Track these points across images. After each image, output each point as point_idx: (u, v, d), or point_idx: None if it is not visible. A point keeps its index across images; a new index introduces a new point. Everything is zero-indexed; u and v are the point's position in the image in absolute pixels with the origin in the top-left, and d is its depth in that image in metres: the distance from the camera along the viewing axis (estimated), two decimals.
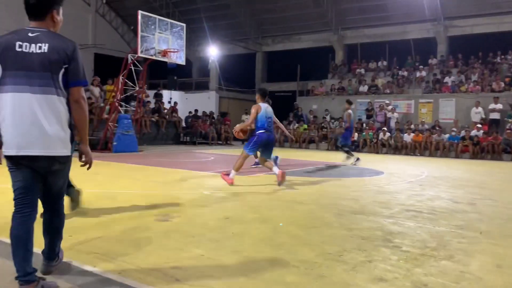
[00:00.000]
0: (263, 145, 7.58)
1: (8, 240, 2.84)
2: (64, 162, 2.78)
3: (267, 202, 5.98)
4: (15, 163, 2.66)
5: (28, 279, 2.61)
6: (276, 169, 7.49)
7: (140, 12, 14.05)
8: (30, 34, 2.65)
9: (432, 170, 11.19)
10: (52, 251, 2.96)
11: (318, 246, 3.81)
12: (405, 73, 22.21)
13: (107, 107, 16.01)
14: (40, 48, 2.61)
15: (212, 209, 5.39)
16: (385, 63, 23.96)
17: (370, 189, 7.57)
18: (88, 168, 2.94)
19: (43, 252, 2.98)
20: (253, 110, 7.60)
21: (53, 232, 2.93)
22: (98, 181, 7.47)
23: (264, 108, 7.70)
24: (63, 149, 2.72)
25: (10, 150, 2.62)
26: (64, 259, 3.22)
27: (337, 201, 6.14)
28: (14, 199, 2.71)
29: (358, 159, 12.06)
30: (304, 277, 3.05)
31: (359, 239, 4.07)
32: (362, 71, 23.86)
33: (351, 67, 24.87)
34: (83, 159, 2.91)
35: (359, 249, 3.74)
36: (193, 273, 3.05)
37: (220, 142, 21.27)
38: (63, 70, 2.66)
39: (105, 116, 15.69)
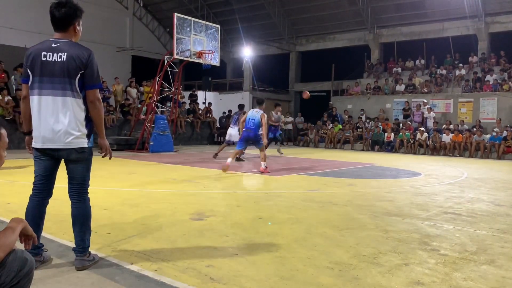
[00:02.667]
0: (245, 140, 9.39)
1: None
2: (81, 152, 3.16)
3: (301, 202, 5.95)
4: (40, 154, 3.16)
5: (36, 252, 3.05)
6: (229, 160, 8.99)
7: (175, 14, 14.28)
8: (53, 45, 3.08)
9: (472, 171, 10.82)
10: (82, 243, 3.19)
11: (353, 248, 3.76)
12: (444, 72, 21.57)
13: (144, 108, 16.39)
14: (60, 57, 3.05)
15: (245, 209, 5.42)
16: (422, 61, 23.35)
17: (406, 190, 7.40)
18: (109, 158, 3.43)
19: (74, 249, 3.21)
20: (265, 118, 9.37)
21: (81, 221, 3.24)
22: (135, 180, 7.65)
23: (251, 112, 9.60)
24: (79, 142, 3.13)
25: (36, 143, 3.13)
26: (102, 255, 3.33)
27: (373, 203, 6.04)
28: (34, 183, 3.22)
29: None
30: (338, 278, 3.02)
31: (395, 242, 3.99)
32: (399, 70, 23.35)
33: (388, 66, 24.38)
34: (102, 151, 3.34)
35: (395, 252, 3.67)
36: (227, 272, 3.08)
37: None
38: (79, 75, 3.06)
39: (142, 116, 16.05)
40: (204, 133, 20.36)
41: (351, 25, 25.20)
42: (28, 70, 3.09)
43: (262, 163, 9.21)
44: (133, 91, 18.17)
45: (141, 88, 18.76)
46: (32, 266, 1.97)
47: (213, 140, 20.95)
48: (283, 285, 2.89)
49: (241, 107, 12.90)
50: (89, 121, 3.19)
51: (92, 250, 3.48)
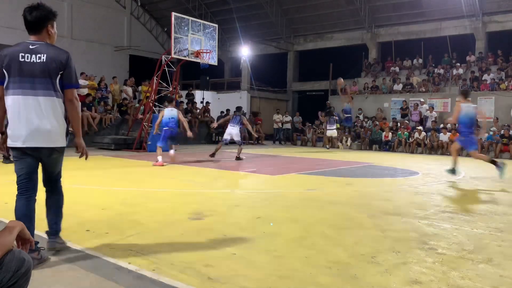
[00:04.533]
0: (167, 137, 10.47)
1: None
2: (61, 151, 3.35)
3: (299, 202, 5.96)
4: (21, 153, 3.22)
5: (33, 249, 3.05)
6: (160, 158, 10.07)
7: (173, 13, 14.26)
8: (30, 47, 3.18)
9: (470, 170, 10.84)
10: (56, 226, 3.45)
11: (351, 247, 3.77)
12: (441, 71, 21.60)
13: (142, 108, 16.37)
14: (39, 58, 3.16)
15: (244, 209, 5.42)
16: (420, 60, 23.37)
17: (404, 189, 7.42)
18: (85, 159, 3.55)
19: (47, 232, 3.41)
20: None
21: (56, 209, 3.47)
22: (133, 180, 7.64)
23: (168, 111, 10.50)
24: (60, 141, 3.28)
25: (17, 142, 3.17)
26: (100, 255, 3.33)
27: (370, 202, 6.05)
28: (18, 183, 3.28)
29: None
30: (336, 278, 3.02)
31: (393, 241, 4.00)
32: (397, 69, 23.36)
33: (385, 65, 24.39)
34: (78, 151, 3.46)
35: (393, 251, 3.68)
36: (225, 272, 3.08)
37: (252, 142, 21.34)
38: (59, 75, 3.21)
39: (140, 116, 16.03)
40: (201, 132, 20.36)
41: (349, 24, 25.21)
42: (4, 70, 3.15)
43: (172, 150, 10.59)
44: (129, 89, 18.14)
45: (139, 88, 18.73)
46: (30, 266, 1.97)
47: (211, 139, 20.95)
48: (282, 284, 2.89)
49: (238, 108, 12.98)
50: (68, 121, 3.34)
51: (90, 249, 3.49)
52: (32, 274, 2.03)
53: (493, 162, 8.51)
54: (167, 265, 3.18)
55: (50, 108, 3.18)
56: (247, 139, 21.09)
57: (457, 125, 9.19)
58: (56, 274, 2.98)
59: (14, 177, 3.21)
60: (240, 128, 11.95)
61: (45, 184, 3.46)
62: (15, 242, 1.97)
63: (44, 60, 3.15)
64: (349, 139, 19.62)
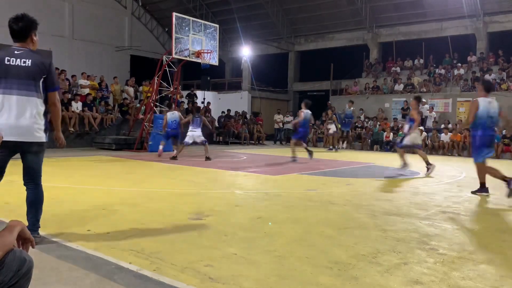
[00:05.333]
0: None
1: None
2: (40, 145, 3.66)
3: (300, 202, 5.95)
4: (2, 146, 3.44)
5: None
6: (161, 147, 12.16)
7: (174, 14, 14.27)
8: (16, 52, 3.57)
9: (471, 170, 10.80)
10: (36, 223, 3.71)
11: (352, 247, 3.76)
12: (443, 71, 21.59)
13: (143, 108, 16.37)
14: (24, 62, 3.55)
15: (244, 209, 5.42)
16: (421, 61, 23.37)
17: (405, 190, 7.41)
18: (62, 147, 4.10)
19: (28, 227, 3.42)
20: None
21: (37, 204, 3.72)
22: (134, 180, 7.65)
23: (170, 114, 12.10)
24: (39, 136, 3.62)
25: None
26: (100, 255, 3.34)
27: (371, 202, 6.04)
28: None
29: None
30: (337, 278, 3.02)
31: (393, 241, 4.00)
32: (398, 69, 23.36)
33: (386, 66, 24.39)
34: (57, 141, 3.91)
35: (394, 251, 3.67)
36: (225, 272, 3.08)
37: (253, 142, 21.34)
38: (42, 79, 3.59)
39: (141, 116, 16.04)
40: (202, 132, 20.32)
41: (349, 24, 25.21)
42: None
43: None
44: (131, 90, 18.14)
45: (140, 88, 18.73)
46: (31, 266, 1.97)
47: (212, 139, 20.94)
48: (282, 284, 2.89)
49: (197, 109, 13.47)
50: (47, 119, 3.68)
51: (91, 249, 3.50)
52: (33, 274, 2.03)
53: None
54: (167, 265, 3.18)
55: (31, 107, 3.53)
56: (248, 139, 21.11)
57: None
58: (56, 274, 2.98)
59: (14, 177, 3.23)
60: (201, 129, 12.17)
61: (26, 183, 3.72)
62: (15, 242, 1.97)
63: (29, 65, 3.54)
64: (345, 142, 19.80)
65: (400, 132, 18.30)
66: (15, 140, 3.49)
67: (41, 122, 3.62)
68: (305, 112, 12.28)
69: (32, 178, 3.71)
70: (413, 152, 10.35)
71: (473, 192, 6.92)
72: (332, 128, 18.75)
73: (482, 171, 6.80)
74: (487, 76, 19.55)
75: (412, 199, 6.38)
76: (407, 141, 9.53)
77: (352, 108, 19.01)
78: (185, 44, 14.37)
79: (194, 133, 11.93)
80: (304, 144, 12.75)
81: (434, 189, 7.51)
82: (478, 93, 7.10)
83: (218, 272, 3.06)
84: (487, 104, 6.67)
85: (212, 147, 17.89)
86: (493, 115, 6.69)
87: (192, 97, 21.27)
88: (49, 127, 3.74)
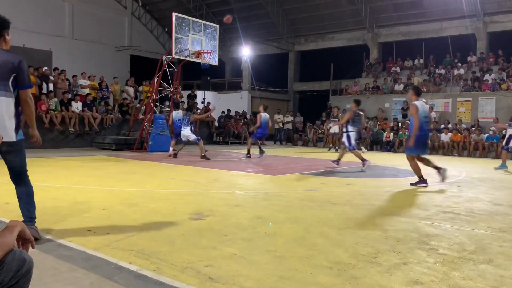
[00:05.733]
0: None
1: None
2: (11, 145, 3.62)
3: (299, 202, 5.95)
4: None
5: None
6: (171, 149, 12.36)
7: (174, 14, 14.27)
8: None
9: (471, 170, 10.84)
10: (29, 213, 3.76)
11: (352, 247, 3.76)
12: (443, 71, 21.59)
13: (143, 108, 16.38)
14: None
15: (244, 209, 5.42)
16: (421, 61, 23.38)
17: (405, 190, 7.41)
18: (39, 144, 4.03)
19: (23, 221, 3.56)
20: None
21: (26, 199, 3.79)
22: (134, 180, 7.65)
23: (175, 114, 12.57)
24: (10, 135, 3.58)
25: None
26: (100, 255, 3.34)
27: (371, 202, 6.04)
28: None
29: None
30: (337, 278, 3.02)
31: (393, 241, 4.00)
32: (398, 69, 23.37)
33: (386, 66, 24.40)
34: (33, 140, 3.91)
35: (394, 251, 3.67)
36: (225, 272, 3.08)
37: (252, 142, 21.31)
38: (12, 77, 3.54)
39: (141, 116, 16.04)
40: (202, 132, 20.32)
41: (349, 24, 25.22)
42: None
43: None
44: (131, 90, 18.15)
45: (140, 88, 18.74)
46: (31, 266, 1.97)
47: (212, 139, 20.96)
48: (282, 284, 2.89)
49: (189, 108, 13.42)
50: (18, 117, 3.65)
51: (90, 249, 3.49)
52: (33, 273, 2.03)
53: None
54: (167, 265, 3.18)
55: (3, 106, 3.51)
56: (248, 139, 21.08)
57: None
58: (56, 274, 2.98)
59: None
60: (191, 126, 12.15)
61: (13, 181, 3.79)
62: (15, 242, 1.97)
63: None
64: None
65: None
66: None
67: (10, 121, 3.58)
68: (263, 116, 13.35)
69: (15, 177, 3.77)
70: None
71: (412, 184, 7.72)
72: (334, 128, 17.86)
73: (415, 164, 7.68)
74: (487, 76, 19.56)
75: (412, 199, 6.38)
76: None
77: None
78: (185, 44, 14.38)
79: (184, 133, 12.17)
80: (259, 142, 13.60)
81: (434, 189, 7.51)
82: (410, 97, 7.94)
83: (218, 272, 3.06)
84: (422, 106, 7.61)
85: (212, 147, 17.91)
86: (427, 115, 7.73)
87: (192, 98, 21.27)
88: (22, 126, 3.71)
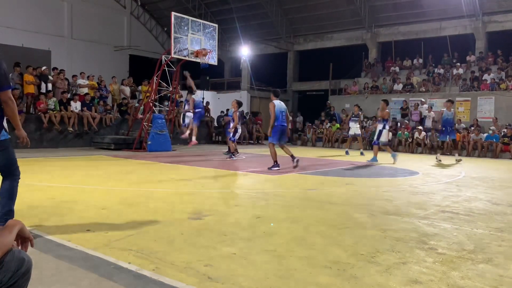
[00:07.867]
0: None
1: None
2: (4, 145, 3.71)
3: (298, 202, 5.96)
4: None
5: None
6: (192, 137, 13.01)
7: (173, 13, 14.26)
8: None
9: (470, 170, 10.85)
10: (9, 212, 3.84)
11: (351, 247, 3.77)
12: (442, 71, 21.61)
13: (142, 107, 16.37)
14: None
15: (243, 208, 5.42)
16: (420, 60, 23.39)
17: (404, 189, 7.42)
18: (28, 146, 4.08)
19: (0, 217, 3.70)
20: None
21: (11, 195, 3.87)
22: (133, 180, 7.64)
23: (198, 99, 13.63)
24: None
25: None
26: (100, 255, 3.33)
27: (370, 202, 6.05)
28: None
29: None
30: (336, 278, 3.02)
31: (392, 241, 4.00)
32: (397, 69, 23.38)
33: (385, 65, 24.40)
34: (20, 140, 3.94)
35: (393, 251, 3.67)
36: (225, 272, 3.08)
37: (252, 142, 21.34)
38: None
39: (140, 116, 16.03)
40: (201, 132, 20.33)
41: (349, 24, 25.22)
42: None
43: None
44: (127, 89, 18.14)
45: (139, 87, 18.73)
46: (30, 266, 1.97)
47: (211, 139, 20.96)
48: (281, 284, 2.89)
49: (190, 90, 14.01)
50: (2, 118, 3.66)
51: (90, 249, 3.49)
52: (32, 273, 2.03)
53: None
54: (167, 265, 3.18)
55: None
56: (247, 139, 21.10)
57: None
58: (56, 274, 2.98)
59: None
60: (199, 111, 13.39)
61: (2, 174, 3.87)
62: (15, 242, 1.97)
63: None
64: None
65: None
66: None
67: None
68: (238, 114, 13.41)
69: (5, 174, 3.86)
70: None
71: (269, 168, 9.52)
72: (354, 129, 15.88)
73: (273, 150, 9.63)
74: (486, 76, 19.58)
75: (411, 198, 6.39)
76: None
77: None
78: (184, 43, 14.37)
79: (189, 114, 13.50)
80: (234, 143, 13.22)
81: (433, 188, 7.52)
82: (271, 97, 9.95)
83: (217, 272, 3.06)
84: (279, 104, 9.63)
85: (212, 146, 17.90)
86: (284, 110, 9.68)
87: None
88: (4, 127, 3.74)
